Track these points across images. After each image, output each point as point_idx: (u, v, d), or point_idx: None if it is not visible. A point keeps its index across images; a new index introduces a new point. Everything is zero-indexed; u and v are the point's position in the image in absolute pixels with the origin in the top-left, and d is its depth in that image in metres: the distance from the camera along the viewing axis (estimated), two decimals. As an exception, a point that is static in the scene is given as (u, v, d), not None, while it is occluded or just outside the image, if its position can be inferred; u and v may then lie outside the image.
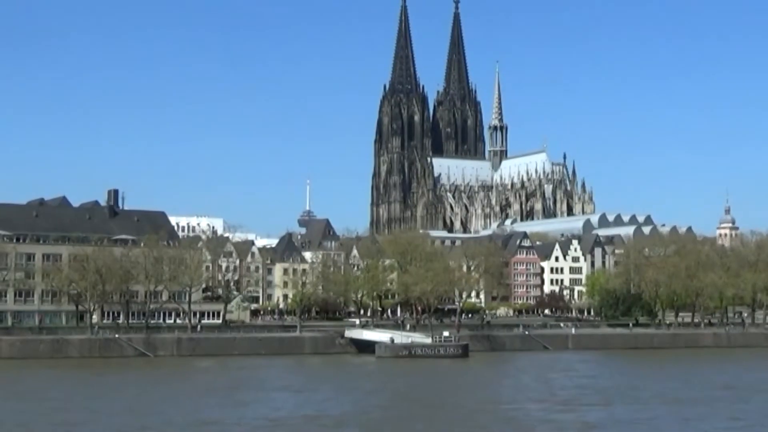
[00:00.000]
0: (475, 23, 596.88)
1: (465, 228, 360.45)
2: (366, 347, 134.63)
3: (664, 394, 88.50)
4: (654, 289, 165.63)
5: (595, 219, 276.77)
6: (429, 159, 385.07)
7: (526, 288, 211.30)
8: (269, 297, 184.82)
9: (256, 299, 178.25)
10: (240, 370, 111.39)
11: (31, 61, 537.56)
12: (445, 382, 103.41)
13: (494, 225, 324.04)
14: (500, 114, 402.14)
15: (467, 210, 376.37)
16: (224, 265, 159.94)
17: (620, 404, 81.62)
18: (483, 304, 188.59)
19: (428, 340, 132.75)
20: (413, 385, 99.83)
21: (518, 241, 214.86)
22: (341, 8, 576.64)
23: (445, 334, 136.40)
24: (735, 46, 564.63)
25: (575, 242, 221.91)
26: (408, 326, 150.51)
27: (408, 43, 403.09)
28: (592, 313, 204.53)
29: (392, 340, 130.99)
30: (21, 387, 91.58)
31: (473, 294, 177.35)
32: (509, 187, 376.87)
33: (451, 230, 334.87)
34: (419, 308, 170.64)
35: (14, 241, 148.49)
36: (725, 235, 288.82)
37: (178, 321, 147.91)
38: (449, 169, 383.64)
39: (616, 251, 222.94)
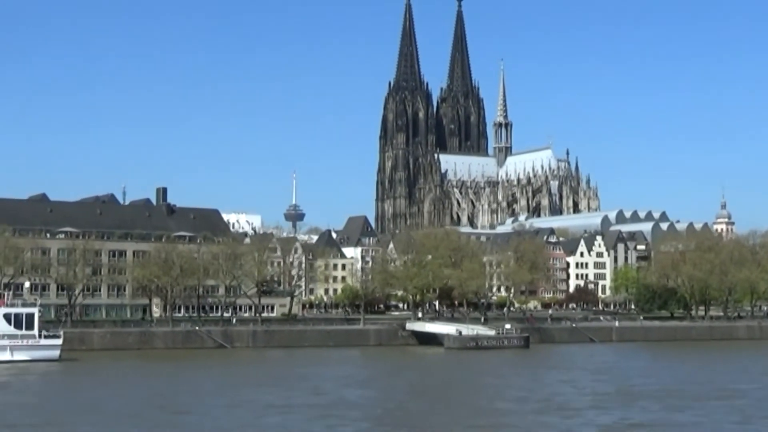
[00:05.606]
0: (478, 21, 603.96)
1: (472, 223, 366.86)
2: (428, 339, 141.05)
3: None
4: (690, 284, 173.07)
5: (612, 215, 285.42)
6: (436, 155, 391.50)
7: (553, 282, 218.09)
8: (311, 291, 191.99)
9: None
10: (342, 362, 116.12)
11: (33, 58, 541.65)
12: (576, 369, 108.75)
13: (509, 220, 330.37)
14: (505, 111, 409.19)
15: (474, 206, 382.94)
16: (289, 261, 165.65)
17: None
18: (512, 298, 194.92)
19: (492, 332, 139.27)
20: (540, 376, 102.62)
21: (545, 237, 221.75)
22: (347, 7, 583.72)
23: (507, 326, 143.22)
24: (739, 43, 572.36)
25: (599, 238, 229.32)
26: (482, 319, 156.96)
27: (412, 41, 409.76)
28: (617, 306, 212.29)
29: (460, 333, 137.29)
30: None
31: (502, 288, 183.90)
32: (515, 183, 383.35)
33: (457, 225, 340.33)
34: (461, 302, 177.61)
35: (81, 237, 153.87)
36: (722, 230, 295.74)
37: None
38: (455, 165, 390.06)
39: (638, 247, 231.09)
